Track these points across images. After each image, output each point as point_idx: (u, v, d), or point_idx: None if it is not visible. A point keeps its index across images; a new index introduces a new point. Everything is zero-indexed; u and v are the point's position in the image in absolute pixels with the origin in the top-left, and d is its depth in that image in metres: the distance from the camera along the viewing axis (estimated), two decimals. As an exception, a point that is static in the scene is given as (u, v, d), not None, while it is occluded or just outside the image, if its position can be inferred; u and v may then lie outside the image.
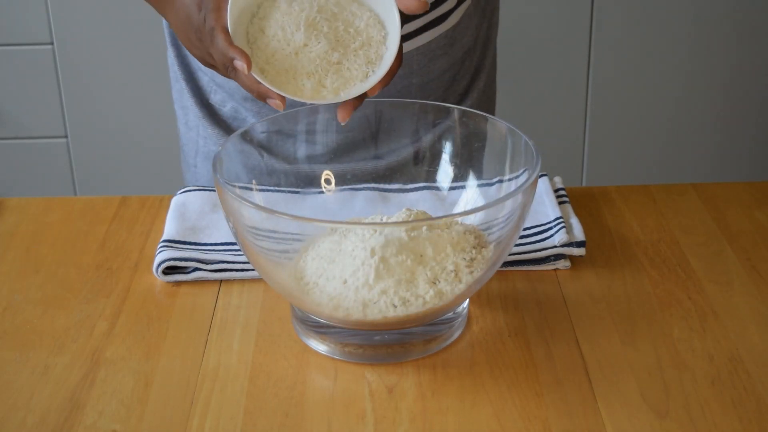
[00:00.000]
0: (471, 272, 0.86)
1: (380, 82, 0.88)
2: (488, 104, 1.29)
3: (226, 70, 0.87)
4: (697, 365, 0.86)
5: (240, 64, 0.84)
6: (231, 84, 1.16)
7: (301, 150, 1.03)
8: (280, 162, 1.02)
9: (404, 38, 1.11)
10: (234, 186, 0.92)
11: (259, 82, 0.86)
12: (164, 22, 1.24)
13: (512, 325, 0.91)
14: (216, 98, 1.19)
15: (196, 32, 0.89)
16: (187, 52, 1.20)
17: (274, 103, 0.86)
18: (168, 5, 0.93)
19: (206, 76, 1.19)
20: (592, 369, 0.85)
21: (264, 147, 1.01)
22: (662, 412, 0.81)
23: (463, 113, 0.98)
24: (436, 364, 0.87)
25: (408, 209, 0.92)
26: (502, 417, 0.80)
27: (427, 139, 1.03)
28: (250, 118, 1.16)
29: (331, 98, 0.87)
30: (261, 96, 0.87)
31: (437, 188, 1.01)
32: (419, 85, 1.16)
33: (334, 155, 1.07)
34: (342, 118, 0.88)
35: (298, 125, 1.02)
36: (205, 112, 1.19)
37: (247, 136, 0.97)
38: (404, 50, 1.12)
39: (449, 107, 0.99)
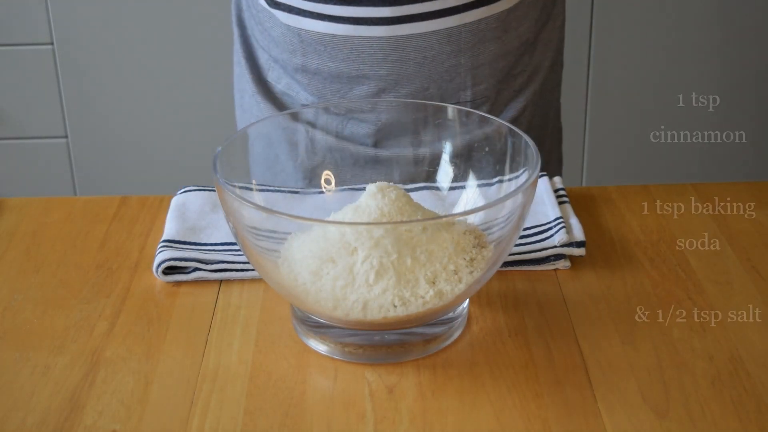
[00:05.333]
0: (471, 272, 0.86)
1: None
2: (544, 108, 1.25)
3: None
4: (697, 365, 0.86)
5: None
6: (284, 56, 1.17)
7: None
8: (325, 135, 1.04)
9: (452, 10, 1.10)
10: (234, 186, 0.92)
11: None
12: (233, 8, 1.25)
13: (512, 325, 0.91)
14: (272, 75, 1.20)
15: None
16: (250, 32, 1.22)
17: None
18: None
19: (265, 53, 1.20)
20: (592, 369, 0.85)
21: (310, 123, 1.03)
22: (662, 412, 0.81)
23: (463, 113, 0.98)
24: (436, 364, 0.87)
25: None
26: (502, 417, 0.80)
27: (427, 139, 1.03)
28: (301, 93, 1.17)
29: None
30: None
31: (437, 188, 1.01)
32: (469, 68, 1.14)
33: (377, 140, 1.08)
34: None
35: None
36: (261, 89, 1.21)
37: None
38: (451, 24, 1.11)
39: (448, 107, 0.99)
